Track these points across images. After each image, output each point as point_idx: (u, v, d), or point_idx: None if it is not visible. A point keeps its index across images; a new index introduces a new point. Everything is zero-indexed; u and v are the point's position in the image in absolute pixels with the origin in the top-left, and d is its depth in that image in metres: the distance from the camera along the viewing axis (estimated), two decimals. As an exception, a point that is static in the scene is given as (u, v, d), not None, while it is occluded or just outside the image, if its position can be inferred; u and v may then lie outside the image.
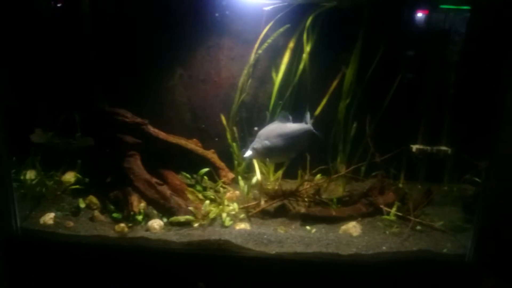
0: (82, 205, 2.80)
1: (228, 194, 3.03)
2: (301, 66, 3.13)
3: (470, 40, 3.08)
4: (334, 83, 3.14)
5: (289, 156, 2.84)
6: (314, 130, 2.86)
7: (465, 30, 3.06)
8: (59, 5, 3.21)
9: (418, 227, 2.73)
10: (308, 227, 2.74)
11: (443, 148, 3.10)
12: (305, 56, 3.08)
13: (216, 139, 3.31)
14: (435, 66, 3.08)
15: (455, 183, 3.14)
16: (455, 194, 3.10)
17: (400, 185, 3.14)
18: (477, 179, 2.96)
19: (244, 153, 2.76)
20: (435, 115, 3.10)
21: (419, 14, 3.11)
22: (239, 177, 3.13)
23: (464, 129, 3.10)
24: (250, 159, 2.77)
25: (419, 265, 2.47)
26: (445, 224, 2.74)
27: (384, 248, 2.53)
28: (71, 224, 2.67)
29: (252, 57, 3.15)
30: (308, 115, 2.89)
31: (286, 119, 2.82)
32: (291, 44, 3.12)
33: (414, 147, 3.12)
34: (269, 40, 3.06)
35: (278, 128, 2.78)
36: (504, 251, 3.16)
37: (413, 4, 3.07)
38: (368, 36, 3.00)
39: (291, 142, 2.75)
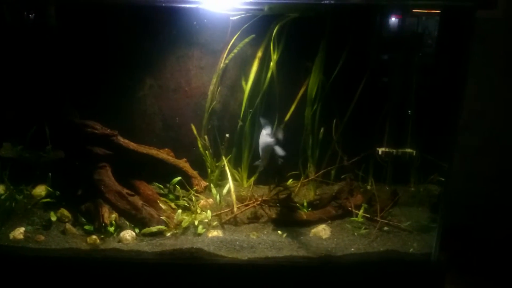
0: (53, 218, 2.77)
1: (202, 202, 3.05)
2: (269, 75, 3.20)
3: (432, 45, 3.21)
4: (302, 90, 3.22)
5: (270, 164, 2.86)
6: (275, 146, 2.73)
7: (428, 35, 3.18)
8: (25, 17, 3.20)
9: (386, 228, 2.82)
10: (280, 232, 2.79)
11: (408, 150, 3.20)
12: (272, 64, 3.15)
13: (194, 148, 3.33)
14: (398, 71, 3.19)
15: (422, 184, 3.24)
16: (421, 194, 3.20)
17: (368, 187, 3.23)
18: (442, 179, 3.06)
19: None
20: (399, 118, 3.20)
21: (382, 21, 3.22)
22: (212, 185, 3.16)
23: (429, 131, 3.21)
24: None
25: (387, 265, 2.55)
26: (412, 224, 2.83)
27: (352, 249, 2.60)
28: (42, 238, 2.65)
29: (220, 66, 3.20)
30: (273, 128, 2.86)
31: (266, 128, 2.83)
32: (259, 54, 3.18)
33: (380, 150, 3.21)
34: (235, 50, 3.12)
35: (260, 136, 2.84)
36: (467, 249, 3.29)
37: (375, 11, 3.17)
38: (331, 43, 3.09)
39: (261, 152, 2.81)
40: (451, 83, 2.81)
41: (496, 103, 3.41)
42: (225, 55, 3.17)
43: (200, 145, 3.29)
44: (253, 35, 3.10)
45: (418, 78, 3.19)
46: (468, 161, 3.40)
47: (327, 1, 2.55)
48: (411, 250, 2.61)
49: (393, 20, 3.18)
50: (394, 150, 3.19)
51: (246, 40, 3.09)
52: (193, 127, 3.29)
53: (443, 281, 2.55)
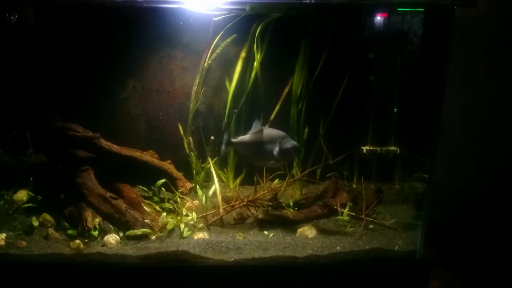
0: (36, 223, 2.73)
1: (188, 204, 3.03)
2: (253, 75, 3.19)
3: (415, 43, 3.23)
4: (286, 89, 3.21)
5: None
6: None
7: (410, 34, 3.20)
8: (6, 19, 3.14)
9: (371, 226, 2.83)
10: (266, 232, 2.78)
11: (392, 148, 3.22)
12: (256, 64, 3.14)
13: (188, 157, 3.30)
14: (381, 69, 3.21)
15: (406, 181, 3.26)
16: (406, 192, 3.22)
17: (354, 186, 3.24)
18: (426, 176, 3.08)
19: None
20: (383, 116, 3.22)
21: (364, 19, 3.23)
22: (198, 187, 3.14)
23: (413, 128, 3.23)
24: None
25: (372, 263, 2.55)
26: (397, 222, 2.85)
27: (338, 248, 2.60)
28: (24, 243, 2.61)
29: (202, 67, 3.18)
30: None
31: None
32: (243, 54, 3.17)
33: (364, 149, 3.23)
34: (217, 50, 3.11)
35: None
36: (452, 244, 3.33)
37: (356, 10, 3.18)
38: (314, 42, 3.09)
39: None
40: (433, 81, 2.83)
41: (480, 100, 3.45)
42: (208, 55, 3.16)
43: (186, 146, 3.27)
44: (235, 35, 3.10)
45: (401, 76, 3.21)
46: (453, 158, 3.44)
47: (309, 1, 2.54)
48: (396, 247, 2.63)
49: (376, 18, 3.19)
50: (378, 148, 3.21)
51: (228, 40, 3.09)
52: (180, 127, 3.26)
53: (428, 278, 2.56)
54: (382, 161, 3.26)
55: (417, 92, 3.24)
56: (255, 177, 3.06)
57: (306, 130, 3.16)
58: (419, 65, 3.18)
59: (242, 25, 3.08)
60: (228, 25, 3.06)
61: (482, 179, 3.52)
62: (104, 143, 2.92)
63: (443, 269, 3.04)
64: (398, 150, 3.19)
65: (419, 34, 3.11)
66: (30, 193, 2.89)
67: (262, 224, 2.87)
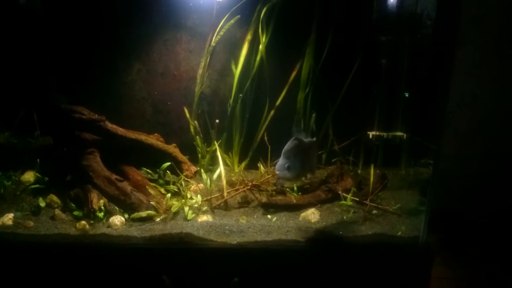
0: (42, 204, 2.77)
1: (192, 187, 3.05)
2: (258, 58, 3.16)
3: (423, 27, 3.17)
4: (293, 74, 3.18)
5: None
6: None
7: (419, 17, 3.14)
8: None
9: (375, 211, 2.82)
10: (269, 216, 2.79)
11: (398, 133, 3.19)
12: (261, 47, 3.11)
13: (193, 141, 3.30)
14: (389, 53, 3.16)
15: (412, 167, 3.24)
16: (412, 178, 3.20)
17: (359, 171, 3.23)
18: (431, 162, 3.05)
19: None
20: (390, 101, 3.18)
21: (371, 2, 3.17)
22: (202, 170, 3.15)
23: (420, 114, 3.19)
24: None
25: (374, 248, 2.56)
26: (401, 208, 2.84)
27: (341, 232, 2.61)
28: (31, 224, 2.65)
29: (206, 49, 3.16)
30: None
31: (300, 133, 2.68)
32: (249, 37, 3.14)
33: (371, 134, 3.20)
34: (221, 33, 3.08)
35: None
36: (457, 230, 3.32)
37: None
38: (321, 26, 3.05)
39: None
40: (440, 65, 2.78)
41: (490, 85, 3.39)
42: (213, 38, 3.13)
43: (192, 130, 3.27)
44: (238, 16, 3.06)
45: (409, 60, 3.16)
46: (460, 144, 3.40)
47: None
48: (399, 233, 2.62)
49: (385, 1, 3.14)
50: (384, 134, 3.18)
51: (231, 21, 3.06)
52: (186, 110, 3.26)
53: (431, 264, 2.56)
54: (388, 146, 3.24)
55: (425, 77, 3.19)
56: (259, 162, 3.06)
57: (313, 115, 3.14)
58: (428, 49, 3.12)
59: (247, 7, 3.04)
60: (234, 7, 3.02)
61: (490, 165, 3.48)
62: (110, 126, 2.93)
63: (449, 255, 3.04)
64: (405, 135, 3.17)
65: (429, 16, 3.04)
66: (37, 174, 2.92)
67: (266, 208, 2.87)
